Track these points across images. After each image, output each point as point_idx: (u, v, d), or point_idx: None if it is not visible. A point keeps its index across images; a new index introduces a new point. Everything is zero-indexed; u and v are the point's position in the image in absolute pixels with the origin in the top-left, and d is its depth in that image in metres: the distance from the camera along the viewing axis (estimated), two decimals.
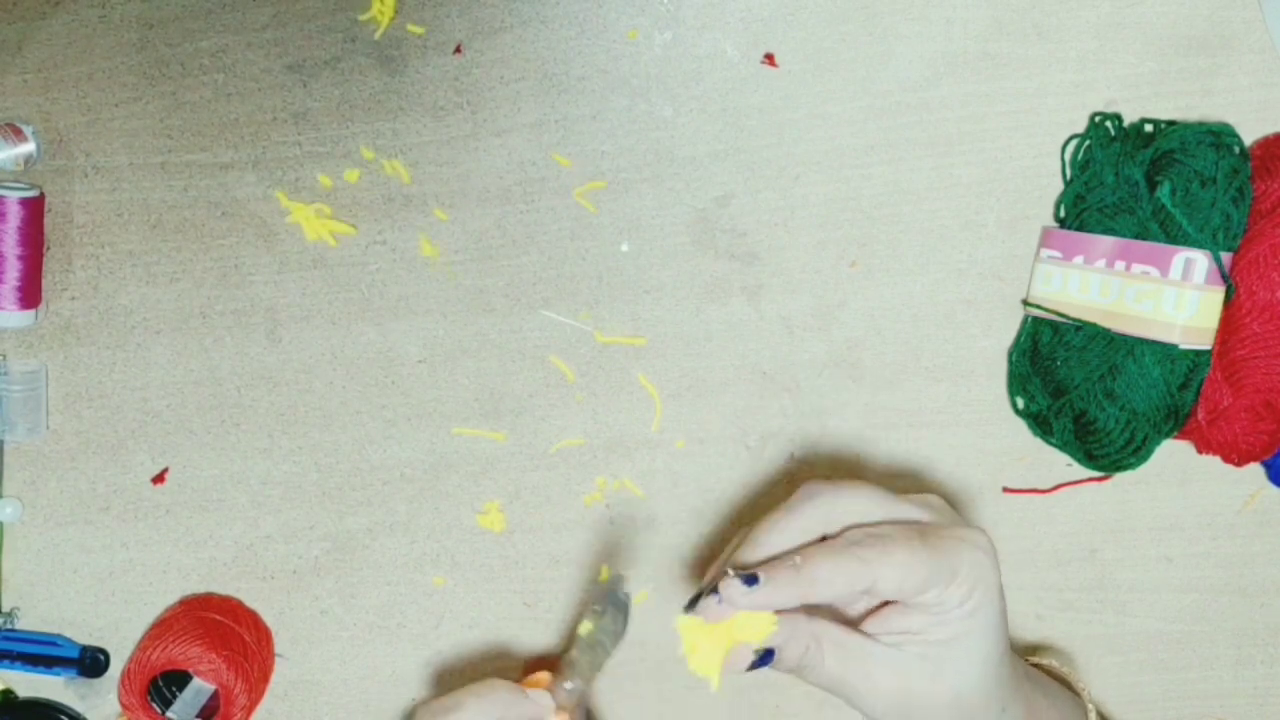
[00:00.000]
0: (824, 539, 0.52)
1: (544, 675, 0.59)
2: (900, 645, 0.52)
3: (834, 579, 0.50)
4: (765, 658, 0.51)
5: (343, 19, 0.67)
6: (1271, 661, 0.69)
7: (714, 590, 0.51)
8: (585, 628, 0.59)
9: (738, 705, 0.70)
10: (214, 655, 0.66)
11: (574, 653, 0.59)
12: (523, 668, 0.70)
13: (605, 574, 0.69)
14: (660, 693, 0.70)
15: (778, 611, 0.51)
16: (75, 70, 0.67)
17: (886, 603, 0.53)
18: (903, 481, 0.68)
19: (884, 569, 0.50)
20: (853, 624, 0.54)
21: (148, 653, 0.67)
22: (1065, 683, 0.60)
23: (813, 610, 0.53)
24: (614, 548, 0.69)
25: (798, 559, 0.50)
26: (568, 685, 0.58)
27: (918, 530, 0.52)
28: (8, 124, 0.67)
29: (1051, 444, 0.66)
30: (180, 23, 0.67)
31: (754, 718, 0.70)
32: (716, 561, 0.54)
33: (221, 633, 0.67)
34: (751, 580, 0.50)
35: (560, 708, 0.58)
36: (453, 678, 0.70)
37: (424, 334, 0.68)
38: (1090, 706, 0.59)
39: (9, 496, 0.70)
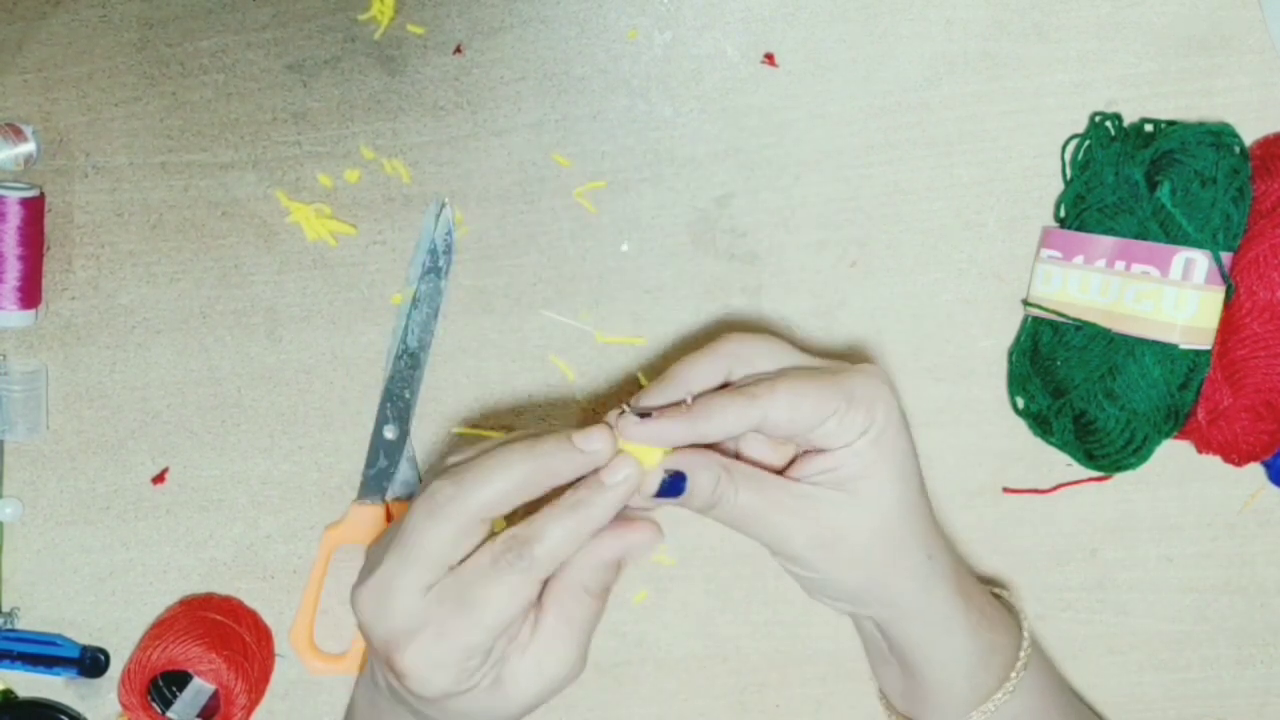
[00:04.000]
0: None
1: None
2: (818, 484, 0.54)
3: (724, 414, 0.52)
4: (675, 485, 0.53)
5: (343, 19, 0.67)
6: (1271, 661, 0.69)
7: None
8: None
9: (738, 705, 0.70)
10: (214, 655, 0.66)
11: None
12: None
13: None
14: (661, 692, 0.70)
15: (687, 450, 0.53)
16: (75, 70, 0.67)
17: (804, 455, 0.55)
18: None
19: (771, 402, 0.52)
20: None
21: (147, 653, 0.67)
22: (1006, 605, 0.62)
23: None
24: None
25: (689, 399, 0.53)
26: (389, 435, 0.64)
27: (810, 369, 0.55)
28: (8, 124, 0.67)
29: (1051, 444, 0.66)
30: (180, 23, 0.67)
31: (754, 718, 0.70)
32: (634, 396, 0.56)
33: (221, 633, 0.67)
34: (645, 415, 0.53)
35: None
36: None
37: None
38: (1025, 625, 0.60)
39: (9, 496, 0.70)
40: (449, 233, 0.67)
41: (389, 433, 0.68)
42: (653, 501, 0.54)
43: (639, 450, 0.53)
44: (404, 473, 0.68)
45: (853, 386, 0.54)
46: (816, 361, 0.56)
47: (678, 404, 0.54)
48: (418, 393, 0.68)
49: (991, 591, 0.62)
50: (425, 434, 0.69)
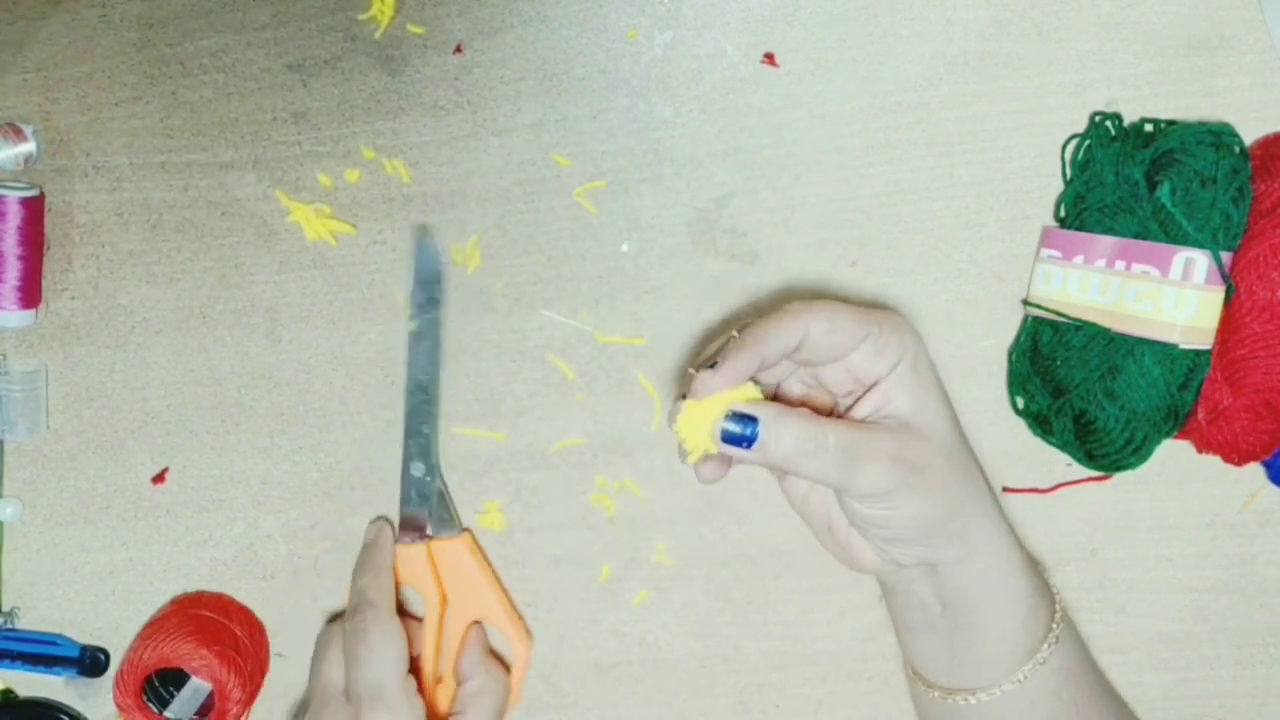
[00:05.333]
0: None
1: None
2: (878, 421, 0.57)
3: (774, 331, 0.55)
4: (746, 432, 0.54)
5: (343, 19, 0.67)
6: (1271, 661, 0.69)
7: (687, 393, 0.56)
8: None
9: (738, 705, 0.70)
10: (206, 651, 0.66)
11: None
12: None
13: None
14: (661, 692, 0.70)
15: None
16: (75, 70, 0.67)
17: (853, 405, 0.58)
18: None
19: (812, 314, 0.56)
20: None
21: (140, 653, 0.67)
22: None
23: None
24: None
25: (734, 333, 0.56)
26: (416, 473, 0.66)
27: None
28: (8, 124, 0.67)
29: (1051, 444, 0.66)
30: (180, 22, 0.67)
31: (754, 718, 0.70)
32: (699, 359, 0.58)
33: (213, 629, 0.67)
34: (711, 364, 0.55)
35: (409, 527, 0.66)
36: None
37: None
38: (1058, 597, 0.61)
39: (9, 496, 0.70)
40: (437, 261, 0.66)
41: (416, 470, 0.67)
42: (730, 451, 0.54)
43: (715, 404, 0.54)
44: (439, 509, 0.68)
45: (880, 317, 0.57)
46: None
47: (727, 339, 0.56)
48: (437, 425, 0.67)
49: None
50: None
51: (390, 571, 0.66)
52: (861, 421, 0.57)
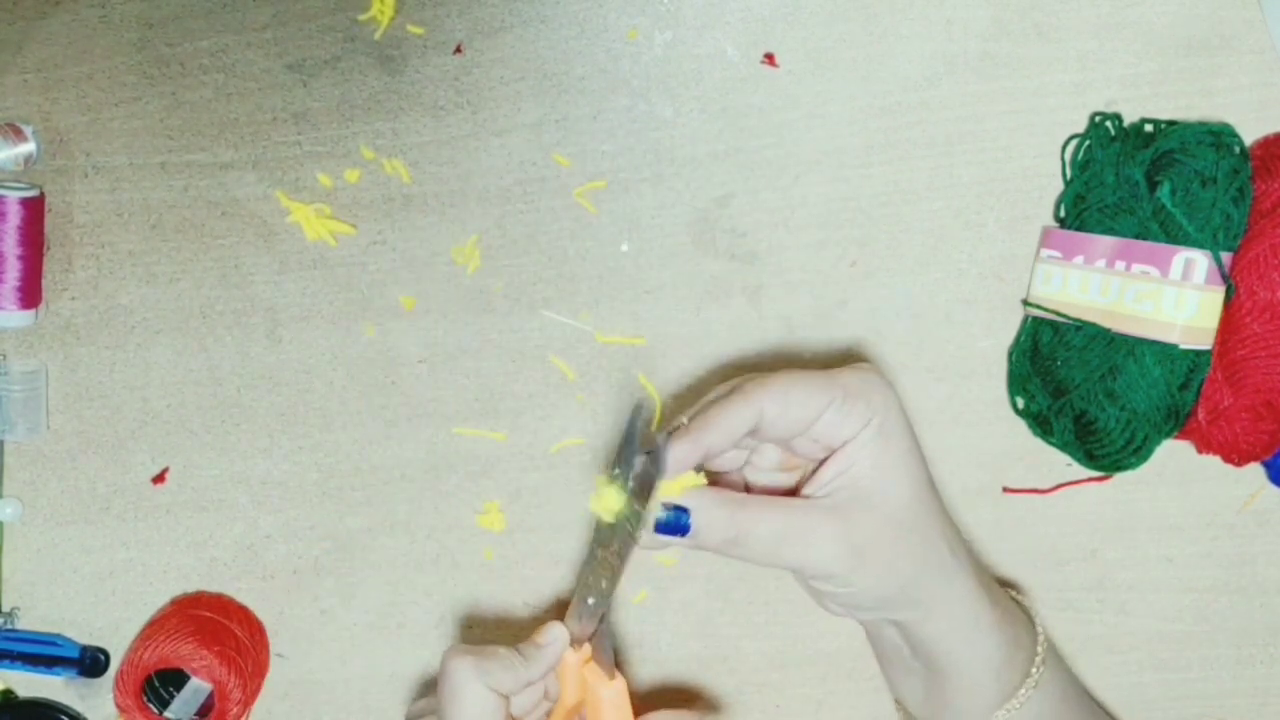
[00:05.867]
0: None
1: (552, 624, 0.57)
2: (832, 493, 0.54)
3: (722, 418, 0.53)
4: (678, 521, 0.52)
5: (343, 19, 0.67)
6: (1271, 661, 0.69)
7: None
8: (605, 504, 0.53)
9: (738, 705, 0.70)
10: (206, 651, 0.66)
11: (594, 552, 0.55)
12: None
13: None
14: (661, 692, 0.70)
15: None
16: (75, 70, 0.67)
17: (814, 471, 0.55)
18: None
19: (766, 394, 0.53)
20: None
21: (140, 653, 0.67)
22: (1017, 603, 0.62)
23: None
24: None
25: (683, 419, 0.53)
26: (590, 601, 0.55)
27: (804, 370, 0.55)
28: (8, 124, 0.67)
29: (1051, 444, 0.66)
30: (180, 23, 0.67)
31: (754, 718, 0.70)
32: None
33: (213, 629, 0.67)
34: (651, 452, 0.52)
35: (577, 641, 0.56)
36: None
37: (424, 334, 0.68)
38: (1040, 628, 0.60)
39: (9, 496, 0.70)
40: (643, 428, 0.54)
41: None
42: (659, 540, 0.53)
43: (665, 487, 0.52)
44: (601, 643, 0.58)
45: (846, 379, 0.54)
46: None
47: (675, 428, 0.53)
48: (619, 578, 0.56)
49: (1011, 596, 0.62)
50: (425, 434, 0.69)
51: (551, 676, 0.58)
52: (806, 500, 0.54)
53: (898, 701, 0.62)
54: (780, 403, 0.53)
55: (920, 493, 0.55)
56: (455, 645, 0.56)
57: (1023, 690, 0.57)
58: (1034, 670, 0.57)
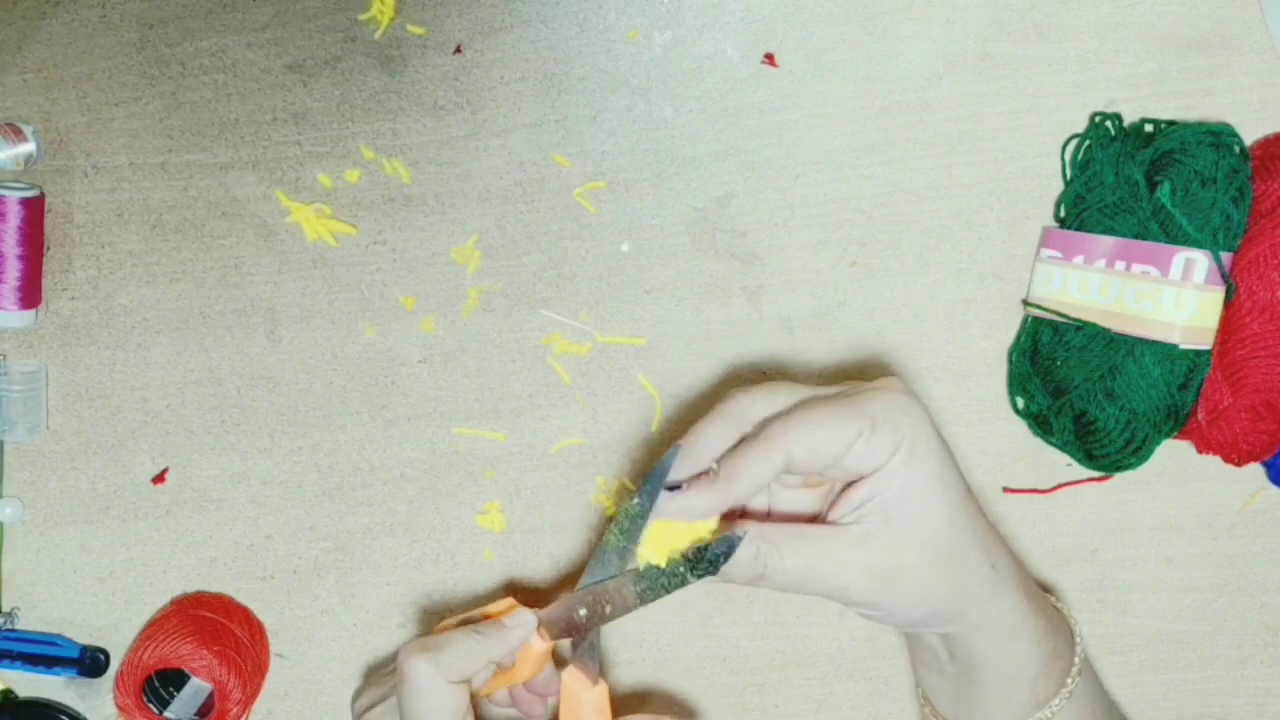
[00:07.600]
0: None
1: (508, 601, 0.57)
2: (860, 519, 0.52)
3: (749, 467, 0.51)
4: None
5: (343, 19, 0.67)
6: (1271, 661, 0.69)
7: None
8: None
9: (738, 705, 0.70)
10: (206, 651, 0.66)
11: (602, 580, 0.54)
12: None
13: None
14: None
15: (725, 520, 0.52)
16: (75, 70, 0.67)
17: (842, 492, 0.54)
18: None
19: (788, 439, 0.51)
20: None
21: (140, 653, 0.67)
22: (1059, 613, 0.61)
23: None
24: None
25: (714, 466, 0.52)
26: (582, 613, 0.54)
27: (824, 397, 0.52)
28: (8, 124, 0.67)
29: (1051, 444, 0.66)
30: (180, 23, 0.67)
31: (754, 718, 0.70)
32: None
33: (213, 629, 0.67)
34: (675, 488, 0.52)
35: (552, 633, 0.55)
36: None
37: (424, 334, 0.68)
38: (1079, 639, 0.58)
39: (9, 496, 0.70)
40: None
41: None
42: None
43: (684, 527, 0.52)
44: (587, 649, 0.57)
45: (873, 406, 0.51)
46: (832, 389, 0.54)
47: (703, 474, 0.52)
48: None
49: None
50: (425, 434, 0.69)
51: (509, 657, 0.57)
52: (834, 529, 0.52)
53: (924, 698, 0.61)
54: (807, 445, 0.51)
55: (955, 515, 0.53)
56: (410, 642, 0.55)
57: (1056, 700, 0.56)
58: (1069, 680, 0.57)
